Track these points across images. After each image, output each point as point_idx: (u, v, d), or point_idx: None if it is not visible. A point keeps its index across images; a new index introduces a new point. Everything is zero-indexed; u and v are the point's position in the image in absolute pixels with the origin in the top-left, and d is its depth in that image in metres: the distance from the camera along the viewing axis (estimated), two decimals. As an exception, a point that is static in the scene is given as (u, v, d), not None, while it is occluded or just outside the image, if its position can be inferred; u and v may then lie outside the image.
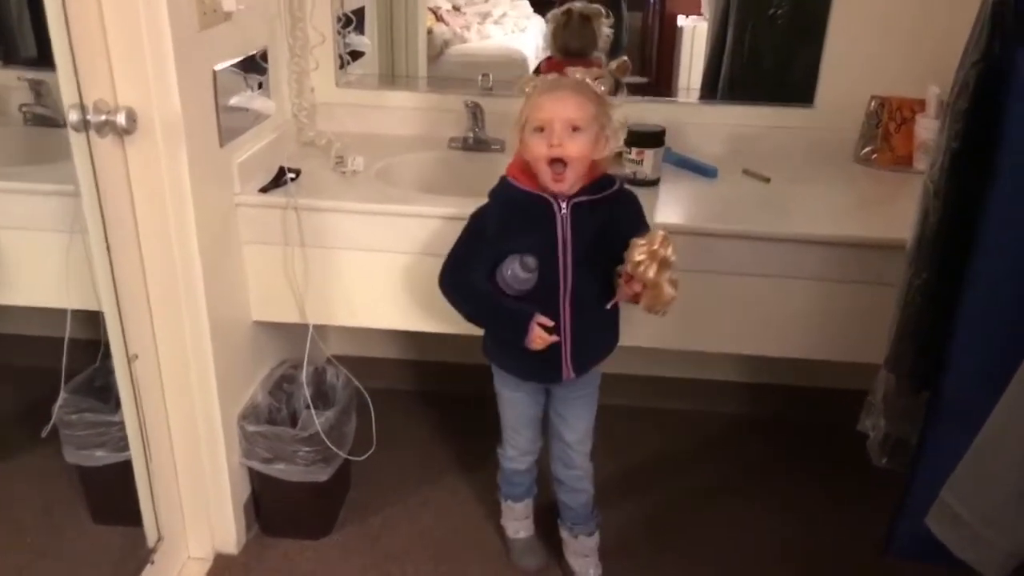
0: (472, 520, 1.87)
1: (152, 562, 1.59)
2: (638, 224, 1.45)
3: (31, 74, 1.80)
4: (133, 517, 1.60)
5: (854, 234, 1.58)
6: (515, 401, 1.61)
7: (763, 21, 2.06)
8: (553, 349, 1.43)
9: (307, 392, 1.74)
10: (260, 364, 1.82)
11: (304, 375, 1.76)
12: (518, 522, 1.76)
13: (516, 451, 1.66)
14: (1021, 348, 0.95)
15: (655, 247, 1.29)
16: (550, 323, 1.40)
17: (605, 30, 1.98)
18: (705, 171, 1.84)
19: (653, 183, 1.77)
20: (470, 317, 1.47)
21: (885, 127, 1.87)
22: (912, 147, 1.86)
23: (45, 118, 1.79)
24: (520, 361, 1.51)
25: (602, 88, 1.38)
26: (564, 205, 1.39)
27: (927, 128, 1.79)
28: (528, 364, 1.50)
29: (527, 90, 1.39)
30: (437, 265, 1.65)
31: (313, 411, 1.69)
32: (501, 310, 1.43)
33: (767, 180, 1.82)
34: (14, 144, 1.86)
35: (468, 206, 1.61)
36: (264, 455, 1.69)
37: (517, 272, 1.37)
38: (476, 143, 1.96)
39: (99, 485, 1.71)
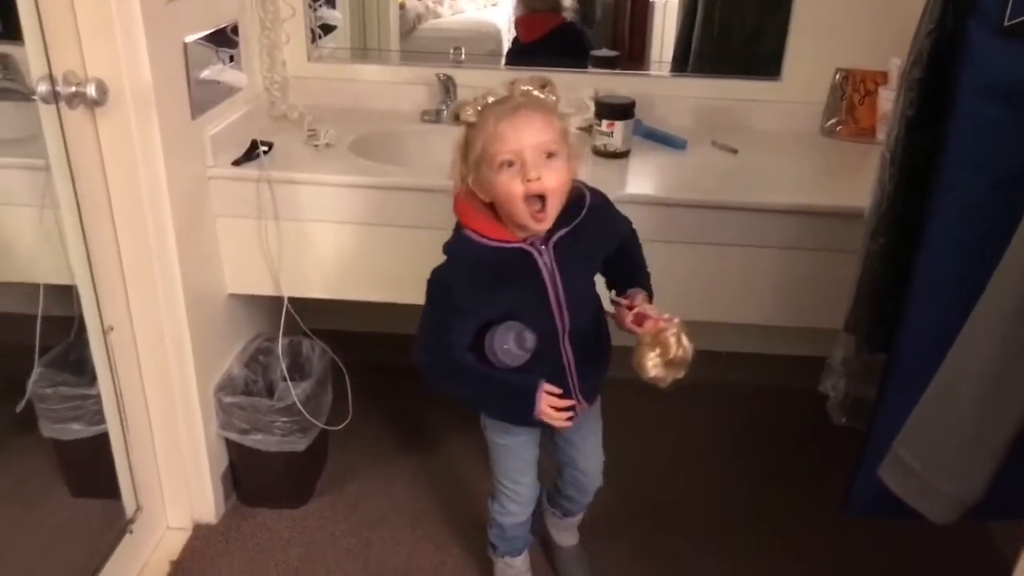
0: (448, 487, 1.90)
1: (131, 532, 1.61)
2: (619, 228, 1.34)
3: (-3, 47, 1.79)
4: (111, 489, 1.61)
5: (818, 203, 1.62)
6: (514, 448, 1.43)
7: (733, -6, 2.09)
8: (565, 392, 1.29)
9: (283, 363, 1.76)
10: (236, 337, 1.83)
11: (280, 347, 1.77)
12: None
13: (518, 504, 1.48)
14: (969, 307, 0.99)
15: (672, 355, 1.18)
16: (558, 391, 1.26)
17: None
18: (674, 143, 1.87)
19: (623, 155, 1.80)
20: (466, 399, 1.32)
21: (849, 99, 1.91)
22: (875, 119, 1.90)
23: (11, 91, 1.77)
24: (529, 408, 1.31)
25: (553, 98, 1.18)
26: (544, 248, 1.20)
27: (889, 100, 1.83)
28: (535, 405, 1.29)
29: (466, 117, 1.15)
30: (412, 237, 1.67)
31: (289, 382, 1.71)
32: (504, 388, 1.25)
33: (735, 152, 1.85)
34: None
35: (441, 178, 1.62)
36: (241, 426, 1.71)
37: (512, 351, 1.21)
38: (449, 116, 1.98)
39: (76, 458, 1.72)
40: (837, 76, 1.92)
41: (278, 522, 1.79)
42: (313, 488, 1.88)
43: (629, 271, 1.37)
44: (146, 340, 1.58)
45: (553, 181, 1.13)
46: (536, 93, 1.16)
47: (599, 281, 1.38)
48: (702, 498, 1.91)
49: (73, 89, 1.31)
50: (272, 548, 1.73)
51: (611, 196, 1.64)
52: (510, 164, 1.12)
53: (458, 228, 1.23)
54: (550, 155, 1.13)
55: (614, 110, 1.77)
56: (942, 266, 1.10)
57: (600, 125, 1.78)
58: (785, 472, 1.99)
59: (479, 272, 1.20)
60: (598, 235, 1.27)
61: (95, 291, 1.48)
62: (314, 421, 1.74)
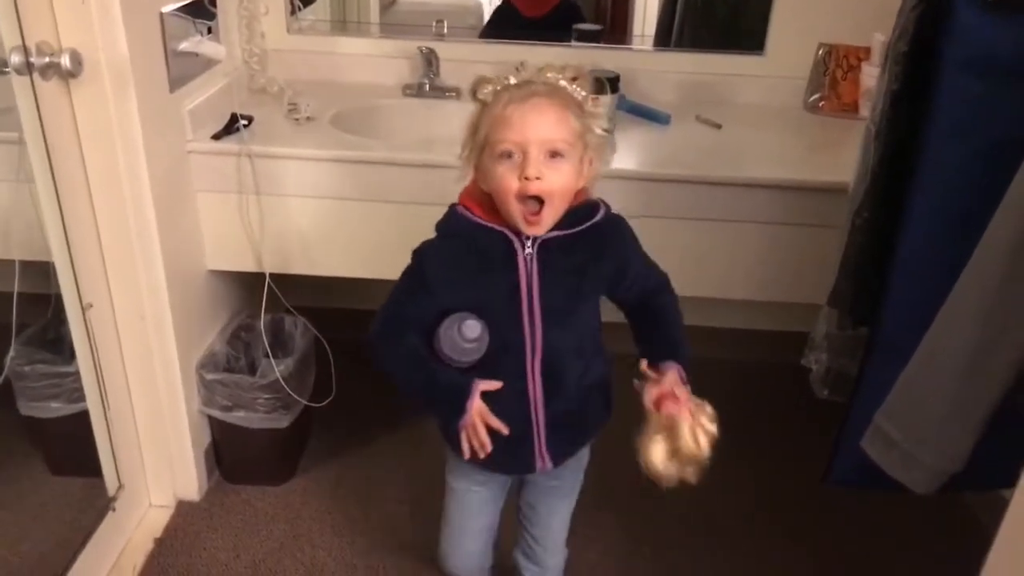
0: (432, 462, 1.89)
1: (113, 509, 1.60)
2: (629, 259, 1.15)
3: (-34, 17, 1.74)
4: (92, 467, 1.60)
5: (802, 178, 1.62)
6: (467, 502, 1.28)
7: (717, -33, 2.08)
8: (522, 431, 1.12)
9: (265, 340, 1.74)
10: (217, 313, 1.82)
11: (262, 324, 1.76)
12: None
13: (455, 567, 1.34)
14: (951, 282, 1.00)
15: (680, 445, 1.06)
16: (495, 385, 1.09)
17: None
18: (658, 118, 1.86)
19: (607, 130, 1.79)
20: (399, 382, 1.14)
21: (832, 75, 1.91)
22: (858, 94, 1.90)
23: (-18, 63, 1.73)
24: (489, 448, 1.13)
25: (582, 93, 1.06)
26: (529, 243, 1.07)
27: (872, 75, 1.84)
28: (496, 446, 1.11)
29: (483, 96, 1.05)
30: (394, 212, 1.66)
31: (272, 359, 1.70)
32: (436, 379, 1.10)
33: (719, 127, 1.85)
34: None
35: (423, 152, 1.60)
36: (223, 403, 1.70)
37: (456, 340, 1.06)
38: (431, 90, 1.95)
39: (55, 436, 1.70)
40: (820, 51, 1.92)
41: (262, 499, 1.79)
42: (297, 465, 1.88)
43: (660, 336, 1.18)
44: (126, 317, 1.56)
45: (555, 183, 1.01)
46: (563, 83, 1.04)
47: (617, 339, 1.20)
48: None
49: (47, 60, 1.28)
50: (256, 524, 1.73)
51: (595, 171, 1.66)
52: (510, 156, 1.01)
53: (452, 205, 1.14)
54: (555, 154, 1.01)
55: (599, 84, 1.76)
56: (925, 240, 1.11)
57: (584, 99, 1.76)
58: (768, 446, 2.01)
59: (457, 248, 1.10)
60: (599, 258, 1.11)
61: (73, 268, 1.45)
62: (297, 398, 1.73)
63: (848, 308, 1.30)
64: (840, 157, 1.79)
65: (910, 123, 1.12)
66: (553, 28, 2.12)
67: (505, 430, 1.09)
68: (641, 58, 2.07)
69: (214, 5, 1.69)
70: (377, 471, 1.88)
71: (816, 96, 1.94)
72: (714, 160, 1.71)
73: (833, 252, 1.52)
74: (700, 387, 2.24)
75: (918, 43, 1.10)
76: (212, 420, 1.75)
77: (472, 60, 1.98)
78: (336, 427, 1.97)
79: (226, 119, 1.67)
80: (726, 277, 1.73)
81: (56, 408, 1.64)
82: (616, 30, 2.17)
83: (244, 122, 1.65)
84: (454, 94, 1.95)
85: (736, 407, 2.12)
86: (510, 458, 1.16)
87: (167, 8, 1.50)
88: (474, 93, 1.06)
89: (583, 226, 1.09)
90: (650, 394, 1.09)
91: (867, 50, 1.87)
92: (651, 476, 1.07)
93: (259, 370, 1.75)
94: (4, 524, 1.63)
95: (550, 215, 1.04)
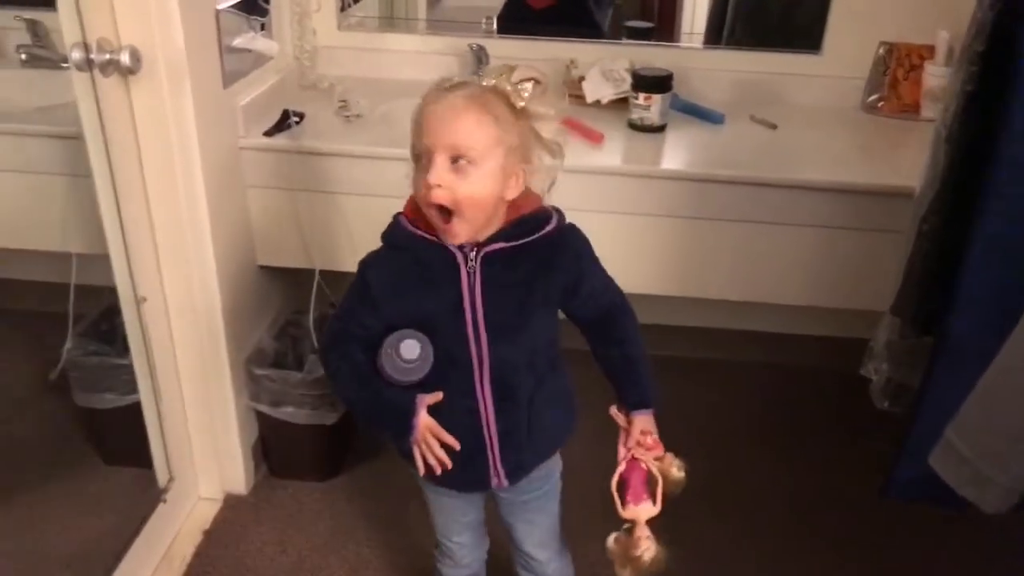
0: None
1: (164, 501, 1.62)
2: (583, 273, 1.08)
3: (28, 14, 1.77)
4: (144, 459, 1.62)
5: (859, 181, 1.58)
6: (442, 505, 1.25)
7: (771, -37, 2.04)
8: (474, 448, 1.08)
9: (313, 336, 1.75)
10: (266, 309, 1.83)
11: (310, 320, 1.77)
12: None
13: (452, 561, 1.32)
14: (1028, 292, 0.96)
15: (636, 556, 1.07)
16: (437, 397, 1.05)
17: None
18: (711, 117, 1.83)
19: (659, 129, 1.76)
20: (345, 398, 1.12)
21: (893, 74, 1.86)
22: (919, 94, 1.84)
23: (43, 59, 1.76)
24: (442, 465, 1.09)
25: (524, 95, 0.97)
26: (472, 256, 1.01)
27: (935, 75, 1.78)
28: (456, 465, 1.08)
29: (424, 95, 1.00)
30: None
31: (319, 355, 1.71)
32: (380, 398, 1.06)
33: (774, 127, 1.81)
34: (12, 87, 1.84)
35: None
36: (271, 398, 1.71)
37: (395, 361, 1.02)
38: (481, 88, 1.94)
39: (109, 427, 1.73)
40: (880, 50, 1.87)
41: (307, 494, 1.80)
42: (342, 462, 1.88)
43: (624, 367, 1.14)
44: (178, 311, 1.58)
45: (460, 192, 0.94)
46: (504, 85, 0.96)
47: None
48: (730, 479, 1.90)
49: (107, 56, 1.29)
50: (302, 520, 1.74)
51: (646, 171, 1.63)
52: (419, 160, 0.97)
53: (396, 214, 1.09)
54: (461, 160, 0.94)
55: (651, 83, 1.73)
56: (999, 248, 1.07)
57: (637, 98, 1.74)
58: (815, 454, 1.97)
59: (402, 264, 1.04)
60: (548, 271, 1.04)
61: (128, 261, 1.47)
62: (344, 394, 1.73)
63: (912, 317, 1.25)
64: (900, 159, 1.74)
65: (984, 126, 1.07)
66: (561, 21, 2.08)
67: (456, 444, 1.05)
68: (692, 56, 2.03)
69: (267, 2, 1.70)
70: (421, 469, 1.88)
71: (875, 96, 1.88)
72: (769, 161, 1.67)
73: (893, 258, 1.48)
74: (744, 392, 2.20)
75: (995, 43, 1.05)
76: (260, 415, 1.76)
77: (522, 57, 1.96)
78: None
79: (277, 115, 1.67)
80: (779, 282, 1.69)
81: (110, 399, 1.67)
82: (664, 27, 2.14)
83: (295, 119, 1.66)
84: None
85: (785, 414, 2.10)
86: (464, 474, 1.10)
87: (222, 5, 1.51)
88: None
89: (529, 238, 1.02)
90: (620, 450, 1.13)
91: (931, 48, 1.81)
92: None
93: (306, 366, 1.75)
94: (60, 512, 1.66)
95: (462, 225, 0.98)
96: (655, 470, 1.11)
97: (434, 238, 1.01)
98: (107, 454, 1.77)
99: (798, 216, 1.61)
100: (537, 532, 1.27)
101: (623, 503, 1.10)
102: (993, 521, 1.11)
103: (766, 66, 1.96)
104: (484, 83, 0.98)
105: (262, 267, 1.77)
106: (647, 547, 1.09)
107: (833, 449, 1.98)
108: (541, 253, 1.04)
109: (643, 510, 1.10)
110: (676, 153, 1.73)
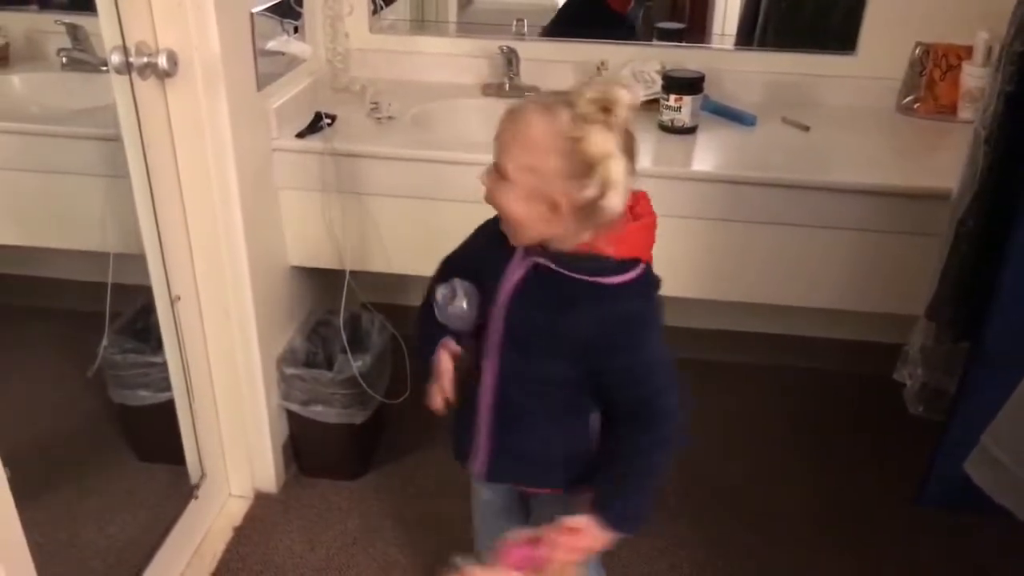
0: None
1: (196, 497, 1.65)
2: (615, 354, 0.99)
3: (68, 18, 1.81)
4: (177, 455, 1.65)
5: (893, 183, 1.56)
6: (484, 508, 1.31)
7: (804, -37, 2.02)
8: (468, 420, 1.12)
9: (344, 336, 1.76)
10: (297, 309, 1.85)
11: (341, 320, 1.78)
12: None
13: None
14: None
15: None
16: (457, 351, 1.09)
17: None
18: (743, 119, 1.81)
19: (690, 131, 1.75)
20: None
21: (930, 75, 1.83)
22: (957, 96, 1.81)
23: (83, 62, 1.80)
24: (455, 411, 1.14)
25: (578, 133, 0.89)
26: (524, 257, 1.01)
27: (974, 76, 1.75)
28: (456, 416, 1.15)
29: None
30: (472, 212, 1.64)
31: (350, 355, 1.72)
32: (426, 317, 1.11)
33: (806, 129, 1.79)
34: (53, 89, 1.88)
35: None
36: (302, 397, 1.72)
37: (440, 303, 1.08)
38: (511, 89, 1.95)
39: (143, 424, 1.76)
40: (917, 50, 1.84)
41: (337, 493, 1.81)
42: (371, 461, 1.90)
43: (612, 477, 1.03)
44: (211, 310, 1.60)
45: (498, 200, 0.95)
46: (563, 113, 0.89)
47: None
48: (761, 482, 1.88)
49: (145, 60, 1.32)
50: (331, 518, 1.75)
51: (677, 173, 1.62)
52: None
53: None
54: (501, 174, 0.94)
55: (682, 84, 1.72)
56: (1038, 251, 1.05)
57: (668, 99, 1.73)
58: (843, 459, 1.94)
59: (493, 236, 1.03)
60: (567, 316, 0.98)
61: (163, 261, 1.50)
62: (373, 394, 1.75)
63: (948, 321, 1.23)
64: (936, 161, 1.72)
65: (1024, 127, 1.06)
66: (625, 26, 2.08)
67: (450, 394, 1.08)
68: (723, 57, 2.02)
69: (300, 5, 1.72)
70: (448, 469, 1.86)
71: (911, 98, 1.85)
72: (801, 163, 1.66)
73: (929, 261, 1.46)
74: (780, 397, 2.18)
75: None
76: (290, 414, 1.78)
77: (553, 60, 1.97)
78: (409, 424, 1.98)
79: (310, 117, 1.69)
80: (811, 285, 1.67)
81: (144, 396, 1.70)
82: (695, 29, 2.13)
83: (328, 121, 1.68)
84: (534, 94, 1.94)
85: (816, 418, 2.08)
86: (457, 440, 1.16)
87: (257, 8, 1.53)
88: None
89: (575, 274, 0.97)
90: (539, 531, 1.00)
91: (968, 49, 1.78)
92: None
93: (336, 365, 1.77)
94: (94, 507, 1.69)
95: (509, 231, 0.98)
96: (545, 559, 0.98)
97: None
98: (141, 450, 1.80)
99: (830, 218, 1.59)
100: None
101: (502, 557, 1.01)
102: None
103: (799, 67, 1.94)
104: (574, 102, 0.90)
105: (294, 267, 1.79)
106: None
107: (861, 454, 1.95)
108: (577, 301, 0.97)
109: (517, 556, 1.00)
110: (707, 155, 1.72)
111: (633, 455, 1.01)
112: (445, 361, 1.07)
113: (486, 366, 1.06)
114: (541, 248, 0.98)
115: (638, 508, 1.01)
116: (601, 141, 0.89)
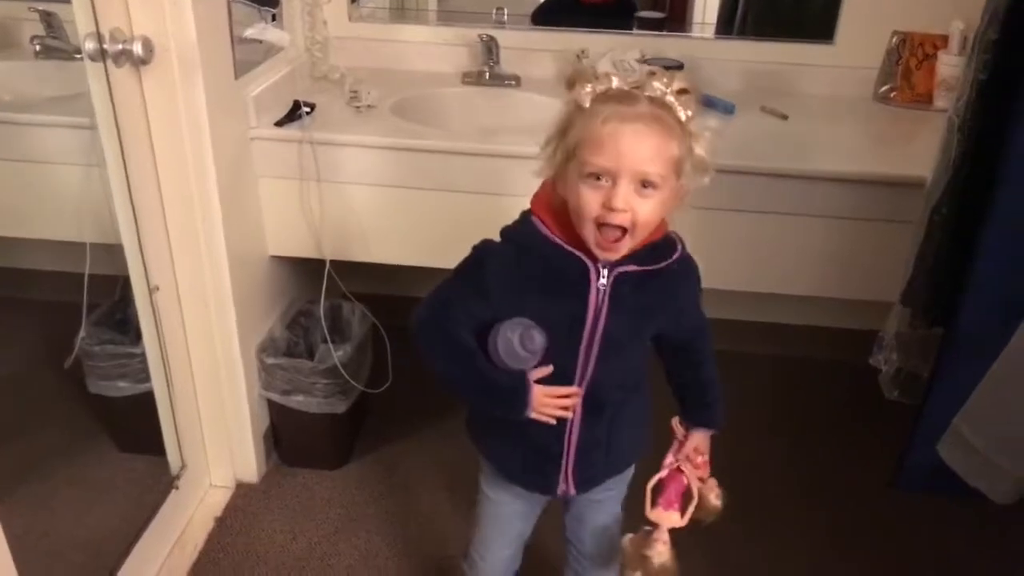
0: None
1: (177, 488, 1.64)
2: (693, 303, 1.12)
3: (41, 5, 1.78)
4: (156, 446, 1.64)
5: (870, 171, 1.57)
6: (498, 506, 1.24)
7: (783, -48, 2.03)
8: (552, 453, 1.11)
9: (324, 326, 1.76)
10: (277, 299, 1.84)
11: (321, 310, 1.78)
12: None
13: (482, 570, 1.31)
14: (1039, 281, 0.96)
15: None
16: (547, 371, 1.05)
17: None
18: (722, 107, 1.82)
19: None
20: (445, 376, 1.09)
21: (906, 64, 1.85)
22: (933, 84, 1.83)
23: (57, 49, 1.77)
24: (511, 449, 1.14)
25: (688, 113, 0.93)
26: (605, 273, 1.00)
27: (949, 64, 1.77)
28: (520, 457, 1.14)
29: (580, 98, 0.94)
30: (453, 201, 1.65)
31: (331, 344, 1.72)
32: (489, 378, 1.05)
33: (785, 117, 1.80)
34: (26, 77, 1.85)
35: (483, 141, 1.58)
36: (283, 387, 1.72)
37: (514, 348, 1.01)
38: (491, 78, 1.94)
39: (122, 415, 1.75)
40: (893, 39, 1.86)
41: (318, 482, 1.81)
42: (352, 450, 1.90)
43: (696, 396, 1.19)
44: (190, 300, 1.59)
45: (640, 215, 0.93)
46: (669, 98, 0.92)
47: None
48: (740, 469, 1.89)
49: (120, 47, 1.30)
50: (313, 508, 1.75)
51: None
52: (598, 178, 0.92)
53: (526, 213, 1.04)
54: (648, 185, 0.92)
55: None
56: (1009, 236, 1.07)
57: (647, 88, 1.73)
58: (824, 445, 1.96)
59: (526, 265, 1.01)
60: (668, 300, 1.07)
61: (141, 251, 1.48)
62: (354, 384, 1.75)
63: (922, 306, 1.25)
64: (912, 149, 1.73)
65: (996, 115, 1.07)
66: (611, 16, 2.09)
67: (567, 391, 1.06)
68: (703, 46, 2.03)
69: (279, -8, 1.71)
70: (430, 458, 1.89)
71: (887, 86, 1.87)
72: (779, 151, 1.67)
73: (904, 248, 1.48)
74: (757, 385, 2.20)
75: (1009, 31, 1.05)
76: (271, 403, 1.77)
77: (532, 48, 1.97)
78: (391, 413, 1.98)
79: (289, 106, 1.68)
80: (790, 272, 1.69)
81: (123, 387, 1.69)
82: (675, 18, 2.13)
83: (307, 109, 1.66)
84: (514, 82, 1.94)
85: (794, 405, 2.10)
86: (535, 476, 1.14)
87: (234, -5, 1.52)
88: (570, 88, 0.95)
89: (660, 264, 1.02)
90: (668, 457, 1.14)
91: (944, 38, 1.80)
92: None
93: (317, 355, 1.77)
94: (73, 498, 1.68)
95: (629, 244, 0.96)
96: (695, 488, 1.11)
97: (572, 249, 0.99)
98: (120, 441, 1.79)
99: (808, 206, 1.60)
100: (601, 538, 1.26)
101: (653, 504, 1.11)
102: (1003, 511, 1.11)
103: (778, 56, 1.95)
104: (652, 94, 0.92)
105: (273, 257, 1.78)
106: (661, 551, 1.09)
107: (842, 440, 1.97)
108: (667, 281, 1.03)
109: (669, 517, 1.10)
110: (686, 143, 1.72)
111: (710, 367, 1.18)
112: (536, 387, 1.04)
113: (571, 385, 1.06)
114: (609, 260, 0.99)
115: (724, 409, 1.19)
116: (696, 123, 0.94)
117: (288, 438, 1.83)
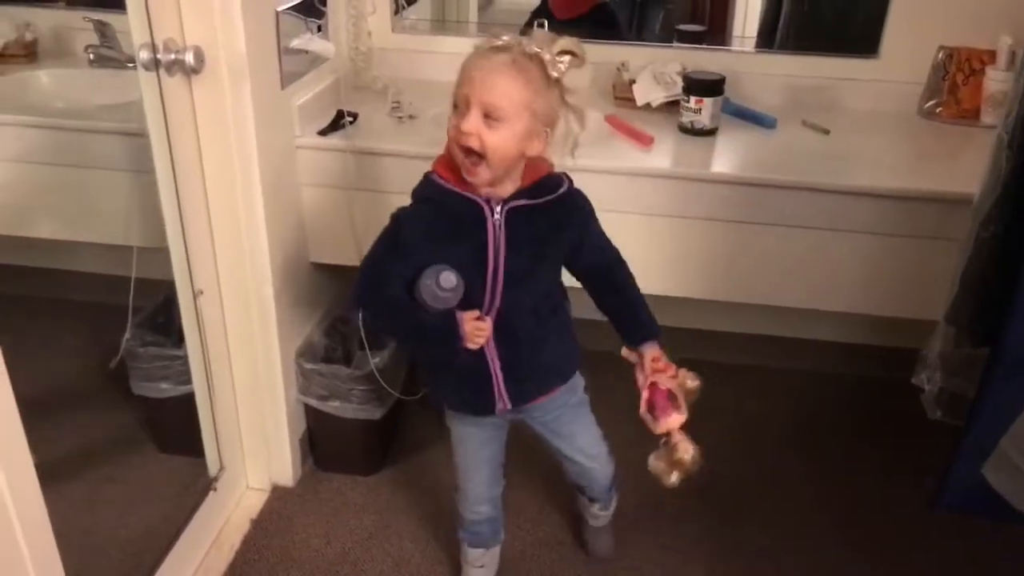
0: (516, 454, 1.89)
1: (215, 489, 1.67)
2: (588, 231, 1.26)
3: (96, 15, 1.84)
4: (196, 447, 1.67)
5: (915, 187, 1.55)
6: (464, 437, 1.41)
7: (826, -34, 2.01)
8: (480, 378, 1.26)
9: (362, 332, 1.78)
10: (316, 304, 1.86)
11: (359, 317, 1.79)
12: (475, 569, 1.57)
13: (468, 502, 1.48)
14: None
15: (678, 458, 1.22)
16: (474, 315, 1.21)
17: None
18: (763, 122, 1.81)
19: (710, 133, 1.75)
20: (389, 332, 1.29)
21: (952, 79, 1.82)
22: (980, 100, 1.80)
23: (110, 59, 1.82)
24: (453, 383, 1.32)
25: (561, 67, 1.09)
26: (498, 209, 1.16)
27: (997, 80, 1.74)
28: (461, 388, 1.31)
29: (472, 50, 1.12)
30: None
31: (368, 351, 1.74)
32: (423, 323, 1.20)
33: (826, 132, 1.78)
34: (80, 85, 1.91)
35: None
36: (320, 392, 1.74)
37: (433, 290, 1.15)
38: (531, 90, 1.95)
39: (164, 416, 1.78)
40: (940, 54, 1.83)
41: (352, 488, 1.83)
42: (387, 456, 1.91)
43: (626, 309, 1.32)
44: (232, 305, 1.62)
45: (488, 143, 1.07)
46: (540, 52, 1.07)
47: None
48: (769, 486, 1.88)
49: (173, 56, 1.34)
50: (347, 513, 1.76)
51: (696, 175, 1.63)
52: (457, 107, 1.10)
53: (427, 172, 1.22)
54: (492, 117, 1.07)
55: (703, 86, 1.72)
56: (1060, 257, 1.05)
57: (688, 101, 1.73)
58: (855, 463, 1.93)
59: (432, 213, 1.19)
60: (561, 228, 1.21)
61: (186, 256, 1.52)
62: (390, 390, 1.76)
63: (968, 326, 1.23)
64: (958, 166, 1.71)
65: (1048, 132, 1.05)
66: (589, 26, 2.09)
67: (478, 355, 1.22)
68: (744, 60, 2.02)
69: (324, 4, 1.74)
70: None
71: (933, 102, 1.85)
72: (821, 166, 1.65)
73: (949, 266, 1.45)
74: (790, 400, 2.16)
75: (1061, 47, 1.03)
76: (308, 408, 1.79)
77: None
78: (425, 421, 1.99)
79: (332, 115, 1.71)
80: (830, 289, 1.67)
81: (165, 389, 1.73)
82: (715, 31, 2.13)
83: (349, 119, 1.69)
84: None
85: (825, 422, 2.07)
86: (475, 400, 1.30)
87: (282, 7, 1.55)
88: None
89: (548, 197, 1.17)
90: (640, 379, 1.27)
91: (992, 53, 1.77)
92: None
93: (354, 361, 1.78)
94: (114, 497, 1.72)
95: (487, 172, 1.10)
96: (674, 387, 1.25)
97: (465, 192, 1.15)
98: (161, 442, 1.82)
99: (850, 222, 1.58)
100: (580, 439, 1.41)
101: (655, 421, 1.24)
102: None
103: (820, 70, 1.94)
104: (527, 49, 1.07)
105: (314, 264, 1.80)
106: (686, 448, 1.22)
107: (874, 458, 1.94)
108: (556, 212, 1.18)
109: (673, 420, 1.24)
110: (726, 157, 1.72)
111: (632, 289, 1.31)
112: (464, 320, 1.19)
113: (487, 316, 1.21)
114: (501, 197, 1.14)
115: (654, 318, 1.31)
116: (572, 82, 1.11)
117: (324, 443, 1.85)
